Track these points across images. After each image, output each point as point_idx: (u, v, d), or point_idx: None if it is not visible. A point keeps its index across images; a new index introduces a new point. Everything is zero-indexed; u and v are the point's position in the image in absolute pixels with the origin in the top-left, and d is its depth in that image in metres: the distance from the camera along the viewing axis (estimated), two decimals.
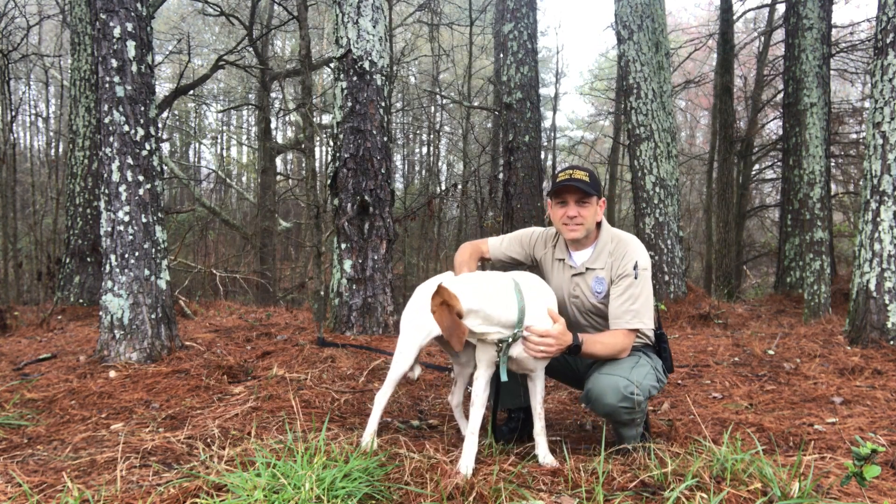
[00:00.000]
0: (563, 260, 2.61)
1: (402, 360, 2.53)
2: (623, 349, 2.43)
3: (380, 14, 5.27)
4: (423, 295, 2.63)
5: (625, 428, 2.42)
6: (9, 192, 11.48)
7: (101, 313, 4.09)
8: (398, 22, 12.01)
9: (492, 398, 2.63)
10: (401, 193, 15.10)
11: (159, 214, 4.20)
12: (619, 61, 8.06)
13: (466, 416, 2.88)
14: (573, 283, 2.59)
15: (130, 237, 4.04)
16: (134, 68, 4.08)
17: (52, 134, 16.91)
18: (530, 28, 8.11)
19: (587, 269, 2.55)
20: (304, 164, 17.61)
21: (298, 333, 5.11)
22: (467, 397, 3.09)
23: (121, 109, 4.03)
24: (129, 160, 4.05)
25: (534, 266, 2.77)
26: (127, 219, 4.04)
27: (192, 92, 14.15)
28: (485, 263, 2.86)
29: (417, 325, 2.53)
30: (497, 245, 2.76)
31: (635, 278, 2.45)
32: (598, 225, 2.58)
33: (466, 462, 2.15)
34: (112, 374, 3.76)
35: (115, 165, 4.03)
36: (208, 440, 2.60)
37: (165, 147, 19.86)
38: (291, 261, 18.70)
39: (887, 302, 4.69)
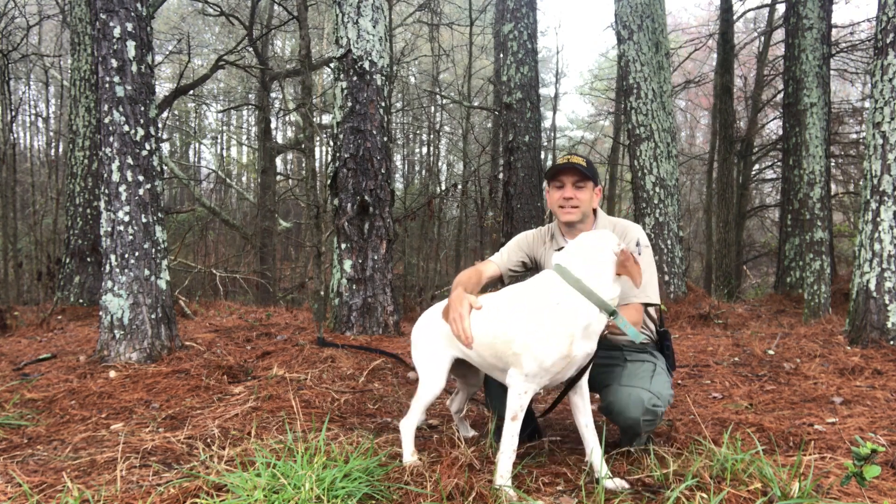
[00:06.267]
0: (563, 248, 2.60)
1: (435, 384, 2.35)
2: (633, 323, 2.38)
3: (380, 14, 5.27)
4: (435, 318, 2.46)
5: (638, 437, 2.42)
6: (9, 192, 11.49)
7: (101, 313, 4.09)
8: (398, 22, 12.00)
9: (493, 401, 2.63)
10: (401, 193, 15.10)
11: (159, 214, 4.20)
12: (619, 61, 8.06)
13: (467, 421, 2.88)
14: None
15: (130, 237, 4.04)
16: (134, 68, 4.08)
17: (52, 134, 16.92)
18: (530, 28, 8.11)
19: None
20: (304, 164, 17.62)
21: (298, 333, 5.11)
22: (472, 401, 3.08)
23: (121, 109, 4.03)
24: (129, 160, 4.05)
25: (535, 268, 2.76)
26: (127, 219, 4.04)
27: (192, 92, 14.15)
28: (497, 284, 2.77)
29: (442, 344, 2.38)
30: (503, 260, 2.70)
31: (639, 255, 2.47)
32: (595, 212, 2.62)
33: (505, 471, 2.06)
34: (112, 374, 3.76)
35: (115, 165, 4.03)
36: (208, 440, 2.60)
37: (165, 147, 19.87)
38: (291, 261, 18.71)
39: (887, 302, 4.69)
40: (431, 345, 2.41)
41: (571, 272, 2.08)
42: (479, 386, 2.73)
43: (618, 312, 2.11)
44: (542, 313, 2.06)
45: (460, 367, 2.57)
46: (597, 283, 2.06)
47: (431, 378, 2.36)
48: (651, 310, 2.63)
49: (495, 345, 2.16)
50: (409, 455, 2.29)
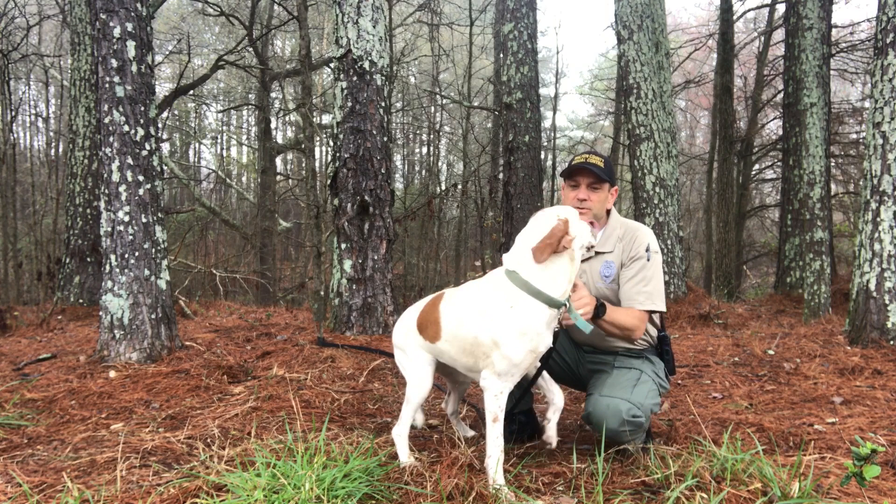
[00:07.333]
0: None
1: (423, 386, 2.34)
2: (635, 329, 2.37)
3: (380, 14, 5.27)
4: (415, 315, 2.46)
5: (627, 444, 2.41)
6: (9, 192, 11.48)
7: (101, 313, 4.09)
8: (398, 22, 12.00)
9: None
10: (401, 193, 15.10)
11: (159, 214, 4.20)
12: (619, 61, 8.06)
13: (465, 420, 2.88)
14: (580, 268, 2.58)
15: (130, 237, 4.04)
16: (134, 68, 4.08)
17: (52, 134, 16.91)
18: (530, 28, 8.11)
19: (596, 252, 2.54)
20: (304, 164, 17.61)
21: (298, 333, 5.11)
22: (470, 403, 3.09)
23: (121, 109, 4.03)
24: (129, 160, 4.05)
25: None
26: (127, 219, 4.04)
27: (192, 92, 14.14)
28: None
29: (422, 345, 2.37)
30: None
31: (647, 261, 2.46)
32: (608, 212, 2.61)
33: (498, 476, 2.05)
34: (112, 374, 3.76)
35: (115, 165, 4.03)
36: (208, 440, 2.60)
37: (165, 147, 19.86)
38: (291, 261, 18.69)
39: (887, 302, 4.69)
40: (411, 346, 2.40)
41: (519, 275, 2.10)
42: (468, 383, 2.72)
43: (569, 304, 2.15)
44: (500, 317, 2.09)
45: (446, 366, 2.54)
46: (545, 281, 2.09)
47: (417, 379, 2.36)
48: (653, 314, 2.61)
49: (459, 342, 2.19)
50: (406, 457, 2.28)
